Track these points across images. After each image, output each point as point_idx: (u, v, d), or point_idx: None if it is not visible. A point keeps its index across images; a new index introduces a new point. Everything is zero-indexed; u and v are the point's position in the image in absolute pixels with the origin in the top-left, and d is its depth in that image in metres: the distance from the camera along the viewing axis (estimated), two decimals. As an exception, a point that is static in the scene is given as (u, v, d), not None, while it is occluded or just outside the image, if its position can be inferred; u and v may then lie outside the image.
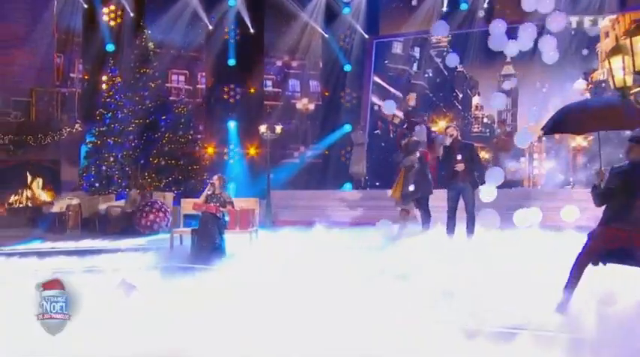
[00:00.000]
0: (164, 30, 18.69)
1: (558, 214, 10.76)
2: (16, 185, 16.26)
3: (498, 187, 10.09)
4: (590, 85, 17.59)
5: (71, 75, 18.06)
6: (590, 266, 5.62)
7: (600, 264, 5.67)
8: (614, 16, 17.31)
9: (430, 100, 19.26)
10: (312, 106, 21.13)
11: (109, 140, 15.69)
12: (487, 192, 10.17)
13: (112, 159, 15.56)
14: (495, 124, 18.73)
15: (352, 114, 20.29)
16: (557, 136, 17.82)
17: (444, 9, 19.14)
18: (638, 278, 5.76)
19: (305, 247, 9.88)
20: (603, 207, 5.73)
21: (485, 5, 18.56)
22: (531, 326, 5.31)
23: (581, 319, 5.17)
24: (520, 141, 10.13)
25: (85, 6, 17.83)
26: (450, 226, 9.90)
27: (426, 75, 19.47)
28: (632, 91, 3.37)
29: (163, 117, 16.85)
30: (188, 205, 11.06)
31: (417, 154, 11.16)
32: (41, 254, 9.42)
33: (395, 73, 19.95)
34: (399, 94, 19.81)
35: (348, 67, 20.47)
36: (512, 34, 11.47)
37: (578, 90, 17.28)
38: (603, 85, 16.74)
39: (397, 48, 20.16)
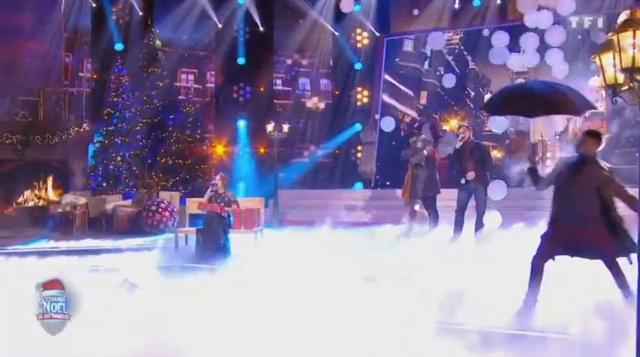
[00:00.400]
0: (173, 28, 18.76)
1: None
2: (24, 185, 16.44)
3: (510, 187, 10.06)
4: (606, 82, 17.42)
5: (80, 74, 18.21)
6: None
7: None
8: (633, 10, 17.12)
9: (442, 98, 19.17)
10: (322, 105, 21.14)
11: (116, 140, 15.83)
12: (496, 190, 10.17)
13: (119, 158, 15.70)
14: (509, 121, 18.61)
15: (363, 113, 20.27)
16: (571, 135, 17.76)
17: (457, 5, 19.06)
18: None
19: (310, 247, 9.92)
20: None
21: (499, 1, 18.45)
22: (533, 328, 5.33)
23: (581, 322, 5.18)
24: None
25: (94, 5, 17.95)
26: (458, 226, 9.90)
27: (438, 73, 19.37)
28: (622, 89, 3.37)
29: (171, 116, 16.97)
30: (193, 205, 11.16)
31: (425, 153, 11.16)
32: (44, 254, 9.55)
33: (406, 71, 19.88)
34: (410, 92, 19.76)
35: (358, 66, 20.43)
36: (523, 31, 11.42)
37: (593, 87, 17.13)
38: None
39: (408, 46, 20.09)
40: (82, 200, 14.45)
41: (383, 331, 5.08)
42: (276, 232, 12.74)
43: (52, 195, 16.40)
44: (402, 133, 19.17)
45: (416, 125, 18.77)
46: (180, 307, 5.76)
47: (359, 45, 20.60)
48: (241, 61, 20.17)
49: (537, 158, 6.17)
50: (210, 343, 4.90)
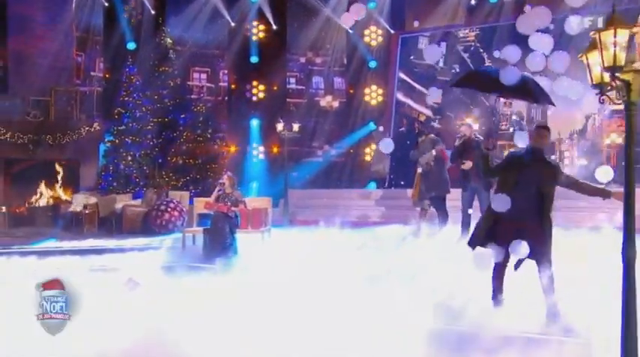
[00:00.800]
0: (185, 27, 18.87)
1: (582, 215, 10.64)
2: (35, 184, 16.65)
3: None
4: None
5: (92, 73, 18.43)
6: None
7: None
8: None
9: (457, 96, 19.08)
10: (336, 104, 21.15)
11: (127, 139, 16.00)
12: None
13: (129, 158, 15.86)
14: (524, 121, 18.49)
15: (377, 111, 20.25)
16: (589, 134, 17.61)
17: (473, 2, 18.97)
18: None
19: (317, 247, 9.93)
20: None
21: (515, -3, 18.31)
22: (535, 329, 5.33)
23: (586, 324, 5.17)
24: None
25: (106, 4, 18.16)
26: (465, 226, 9.88)
27: (453, 71, 19.27)
28: (608, 88, 3.37)
29: (182, 115, 17.09)
30: (201, 205, 11.26)
31: (434, 153, 11.14)
32: (47, 253, 9.70)
33: (421, 69, 19.80)
34: (424, 90, 19.69)
35: (373, 64, 20.42)
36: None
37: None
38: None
39: (423, 43, 20.01)
40: (93, 200, 14.65)
41: (386, 332, 5.12)
42: (285, 232, 12.82)
43: (63, 195, 16.62)
44: (417, 132, 19.14)
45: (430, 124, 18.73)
46: (182, 306, 5.85)
47: (373, 43, 20.57)
48: (254, 59, 20.26)
49: (492, 146, 6.26)
50: (211, 342, 4.96)
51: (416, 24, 19.19)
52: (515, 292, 6.01)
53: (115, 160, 16.07)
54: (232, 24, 20.02)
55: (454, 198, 10.54)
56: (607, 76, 3.40)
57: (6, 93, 16.59)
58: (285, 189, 15.71)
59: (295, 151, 20.06)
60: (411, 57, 20.14)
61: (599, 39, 3.33)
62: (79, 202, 14.73)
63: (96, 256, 9.79)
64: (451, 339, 5.12)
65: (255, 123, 20.02)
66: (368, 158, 20.18)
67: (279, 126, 15.78)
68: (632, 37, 3.23)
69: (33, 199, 16.56)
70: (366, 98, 20.47)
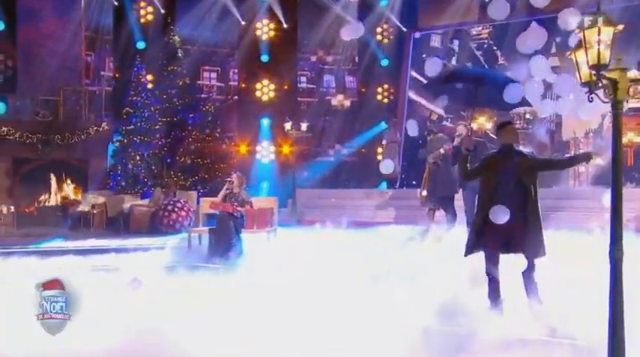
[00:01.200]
0: (195, 26, 18.98)
1: (595, 216, 10.57)
2: (45, 184, 16.83)
3: (542, 186, 9.88)
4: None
5: (102, 73, 18.61)
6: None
7: None
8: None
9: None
10: (348, 103, 21.17)
11: (135, 139, 16.12)
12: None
13: (138, 158, 15.97)
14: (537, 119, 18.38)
15: (389, 110, 20.22)
16: (605, 133, 17.45)
17: (487, -1, 18.88)
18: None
19: (322, 247, 9.94)
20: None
21: (531, -7, 18.19)
22: (536, 331, 5.32)
23: (590, 326, 5.15)
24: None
25: (116, 3, 18.31)
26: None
27: (466, 69, 19.22)
28: (598, 86, 3.37)
29: (191, 115, 17.18)
30: (207, 204, 11.34)
31: (442, 151, 11.12)
32: (49, 253, 9.79)
33: (433, 68, 19.75)
34: (436, 89, 19.64)
35: (385, 62, 20.39)
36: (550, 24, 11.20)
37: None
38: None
39: (435, 41, 19.96)
40: (101, 200, 14.81)
41: (386, 333, 5.13)
42: (292, 232, 12.87)
43: (71, 194, 16.79)
44: (426, 132, 19.09)
45: (442, 123, 18.67)
46: (185, 306, 5.91)
47: (385, 41, 20.54)
48: (265, 58, 20.24)
49: (472, 146, 6.30)
50: (213, 342, 5.00)
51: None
52: (515, 293, 5.99)
53: (123, 160, 16.20)
54: (242, 22, 20.04)
55: (458, 197, 10.52)
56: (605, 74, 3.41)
57: (15, 93, 16.81)
58: (293, 189, 15.74)
59: (306, 151, 20.10)
60: (423, 55, 20.09)
61: (584, 37, 3.34)
62: (87, 201, 14.89)
63: (99, 256, 9.90)
64: (450, 339, 5.13)
65: (265, 122, 20.03)
66: (380, 158, 20.16)
67: (287, 125, 15.83)
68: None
69: (42, 198, 16.75)
70: (378, 97, 20.44)
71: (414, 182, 17.61)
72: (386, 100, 20.41)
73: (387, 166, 13.54)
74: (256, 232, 10.90)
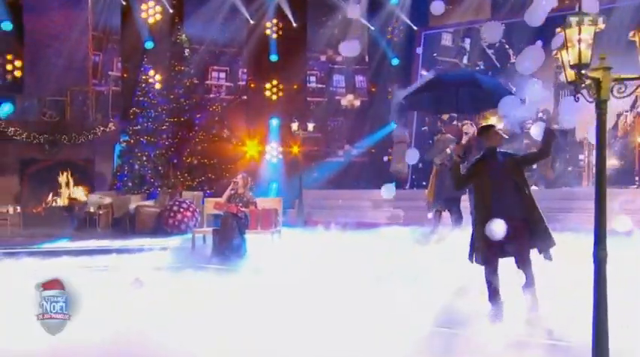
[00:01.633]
0: (204, 26, 19.09)
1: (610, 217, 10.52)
2: (52, 184, 17.01)
3: (552, 187, 9.91)
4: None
5: (110, 73, 18.77)
6: None
7: None
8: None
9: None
10: (357, 103, 21.19)
11: (142, 139, 16.25)
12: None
13: (144, 158, 16.10)
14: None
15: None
16: (620, 131, 17.32)
17: (498, -4, 18.84)
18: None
19: (326, 248, 9.94)
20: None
21: (540, -10, 18.10)
22: (537, 334, 5.33)
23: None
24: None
25: (123, 2, 18.46)
26: (477, 226, 9.84)
27: (477, 67, 19.16)
28: (583, 86, 3.39)
29: (198, 115, 17.29)
30: (211, 205, 11.41)
31: (448, 151, 11.11)
32: (51, 254, 9.87)
33: (444, 67, 19.71)
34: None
35: (395, 61, 20.39)
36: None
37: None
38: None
39: (446, 39, 19.93)
40: (107, 200, 14.94)
41: (386, 334, 5.16)
42: (297, 233, 12.90)
43: (78, 195, 16.95)
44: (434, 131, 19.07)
45: (454, 122, 18.62)
46: (186, 306, 5.96)
47: (395, 39, 20.54)
48: (274, 58, 20.35)
49: (463, 153, 6.29)
50: (213, 342, 5.05)
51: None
52: (515, 296, 6.00)
53: (130, 160, 16.34)
54: (251, 22, 20.15)
55: (464, 198, 10.51)
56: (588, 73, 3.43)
57: (22, 93, 17.00)
58: (300, 189, 15.78)
59: (316, 151, 20.15)
60: (434, 54, 20.08)
61: (565, 36, 3.37)
62: (93, 202, 15.03)
63: (101, 257, 9.98)
64: (450, 341, 5.15)
65: (274, 122, 20.11)
66: (391, 158, 20.17)
67: (294, 126, 15.87)
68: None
69: (50, 199, 16.93)
70: (389, 96, 20.43)
71: (424, 183, 17.59)
72: (396, 100, 20.35)
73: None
74: (260, 233, 10.96)
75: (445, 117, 19.52)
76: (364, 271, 7.71)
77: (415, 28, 20.26)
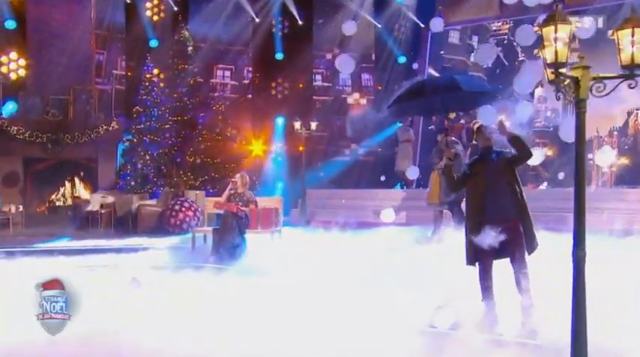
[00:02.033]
0: (209, 24, 19.16)
1: (619, 217, 10.54)
2: (55, 184, 17.15)
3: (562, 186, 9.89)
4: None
5: (114, 71, 18.89)
6: None
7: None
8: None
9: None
10: (364, 101, 21.20)
11: (145, 138, 16.33)
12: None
13: (147, 157, 16.18)
14: (559, 117, 18.24)
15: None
16: (631, 130, 17.23)
17: (507, -8, 18.77)
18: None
19: (325, 248, 9.97)
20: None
21: (553, -13, 18.04)
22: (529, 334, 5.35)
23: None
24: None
25: (128, 1, 18.55)
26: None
27: (485, 65, 19.12)
28: (563, 85, 3.41)
29: (202, 114, 17.35)
30: (212, 204, 11.47)
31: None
32: (50, 253, 9.95)
33: (451, 65, 19.71)
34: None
35: (402, 59, 20.38)
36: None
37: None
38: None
39: (454, 37, 19.91)
40: (110, 199, 15.05)
41: (385, 335, 5.21)
42: (298, 233, 12.94)
43: (81, 194, 17.07)
44: (436, 131, 19.03)
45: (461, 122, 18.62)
46: (182, 305, 6.04)
47: (402, 37, 20.54)
48: (279, 56, 20.40)
49: (452, 155, 6.27)
50: (213, 342, 5.10)
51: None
52: (510, 296, 6.02)
53: (133, 160, 16.43)
54: (257, 20, 20.20)
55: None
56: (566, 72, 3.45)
57: (25, 92, 17.08)
58: (302, 189, 15.81)
59: (322, 150, 20.18)
60: (442, 52, 20.06)
61: (542, 36, 3.39)
62: (95, 201, 15.15)
63: (100, 256, 10.08)
64: (447, 340, 5.19)
65: (280, 121, 20.15)
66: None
67: (297, 124, 15.90)
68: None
69: (53, 198, 17.05)
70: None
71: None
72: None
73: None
74: (260, 233, 10.99)
75: (452, 115, 19.51)
76: (363, 271, 7.75)
77: (422, 25, 20.22)
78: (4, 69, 17.41)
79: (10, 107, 16.78)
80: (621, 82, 3.45)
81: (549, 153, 16.93)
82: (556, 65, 3.41)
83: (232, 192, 10.22)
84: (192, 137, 17.12)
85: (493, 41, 19.29)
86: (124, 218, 14.79)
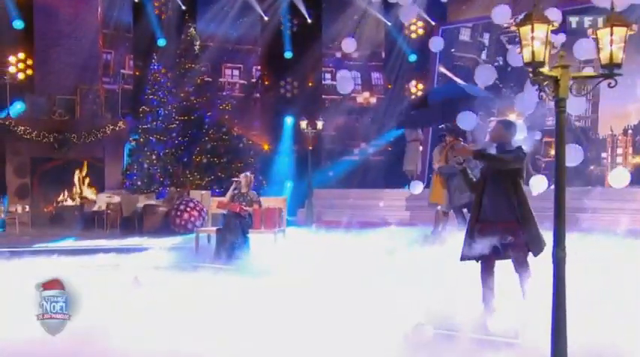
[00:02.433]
0: (217, 23, 19.25)
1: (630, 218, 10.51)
2: (62, 183, 17.31)
3: (573, 186, 9.81)
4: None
5: (122, 71, 19.03)
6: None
7: None
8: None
9: (499, 90, 18.81)
10: (374, 100, 21.19)
11: (151, 138, 16.45)
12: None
13: (154, 157, 16.29)
14: (573, 116, 18.11)
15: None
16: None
17: (519, -12, 18.70)
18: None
19: (329, 248, 10.01)
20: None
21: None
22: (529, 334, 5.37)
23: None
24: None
25: (135, 0, 18.71)
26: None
27: (496, 63, 19.03)
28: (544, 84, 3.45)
29: (208, 113, 17.43)
30: (215, 204, 11.57)
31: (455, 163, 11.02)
32: (50, 253, 10.06)
33: (462, 63, 19.61)
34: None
35: (413, 57, 20.34)
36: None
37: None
38: None
39: (465, 35, 19.80)
40: (116, 199, 15.19)
41: (383, 335, 5.25)
42: (303, 233, 12.98)
43: (88, 194, 17.23)
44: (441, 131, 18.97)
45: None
46: (185, 306, 6.12)
47: (413, 35, 20.48)
48: (288, 55, 20.40)
49: (461, 160, 6.19)
50: (213, 342, 5.16)
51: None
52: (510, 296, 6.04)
53: (139, 159, 16.55)
54: (265, 18, 20.24)
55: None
56: (545, 71, 3.49)
57: (32, 91, 17.26)
58: (309, 189, 15.85)
59: (331, 150, 20.21)
60: (452, 50, 19.98)
61: (519, 34, 3.43)
62: (102, 201, 15.29)
63: (103, 256, 10.20)
64: (446, 341, 5.23)
65: (289, 120, 20.18)
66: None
67: (303, 124, 15.93)
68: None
69: (61, 198, 17.22)
70: (407, 94, 20.40)
71: (440, 182, 17.54)
72: (414, 97, 20.31)
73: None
74: (264, 233, 11.05)
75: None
76: (364, 270, 7.78)
77: (433, 23, 20.18)
78: (11, 69, 17.56)
79: (17, 107, 16.98)
80: (600, 82, 3.47)
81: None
82: (534, 64, 3.44)
83: (236, 192, 10.30)
84: (198, 137, 17.18)
85: (504, 38, 19.19)
86: (130, 218, 14.92)
